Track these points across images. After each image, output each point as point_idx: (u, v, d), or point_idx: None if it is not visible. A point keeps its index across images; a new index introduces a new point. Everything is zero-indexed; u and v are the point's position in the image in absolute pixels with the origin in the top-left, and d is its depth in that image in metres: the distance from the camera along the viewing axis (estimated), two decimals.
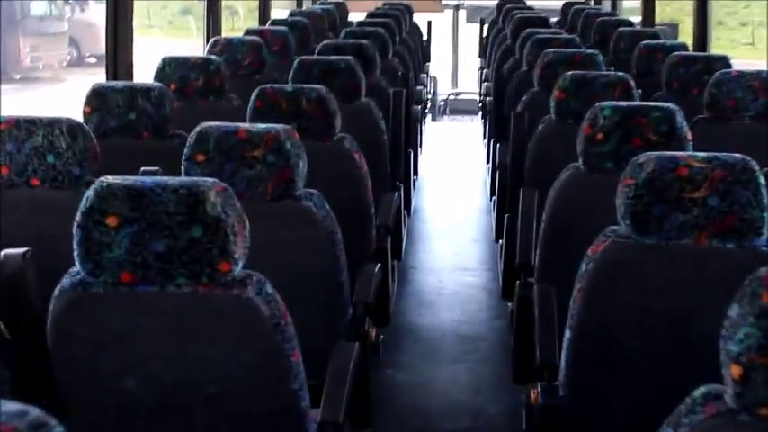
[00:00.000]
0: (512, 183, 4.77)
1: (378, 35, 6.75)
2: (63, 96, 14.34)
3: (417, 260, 6.25)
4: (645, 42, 6.17)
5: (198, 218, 2.24)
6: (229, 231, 2.25)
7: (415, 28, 10.54)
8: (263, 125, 3.07)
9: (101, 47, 16.80)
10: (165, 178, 2.31)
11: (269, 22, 7.71)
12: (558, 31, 7.29)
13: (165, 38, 18.02)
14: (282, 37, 6.68)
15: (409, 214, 6.48)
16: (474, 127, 10.58)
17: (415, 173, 7.14)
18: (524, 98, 5.34)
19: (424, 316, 5.30)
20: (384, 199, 4.52)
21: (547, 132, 4.45)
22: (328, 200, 3.19)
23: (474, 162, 8.81)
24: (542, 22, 8.05)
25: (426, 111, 9.80)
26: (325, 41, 5.91)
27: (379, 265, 3.76)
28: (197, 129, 3.04)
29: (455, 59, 12.89)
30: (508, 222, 4.77)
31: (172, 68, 4.94)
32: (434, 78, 11.61)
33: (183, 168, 3.04)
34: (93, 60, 18.33)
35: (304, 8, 9.86)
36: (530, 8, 9.80)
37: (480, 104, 9.41)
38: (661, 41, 6.33)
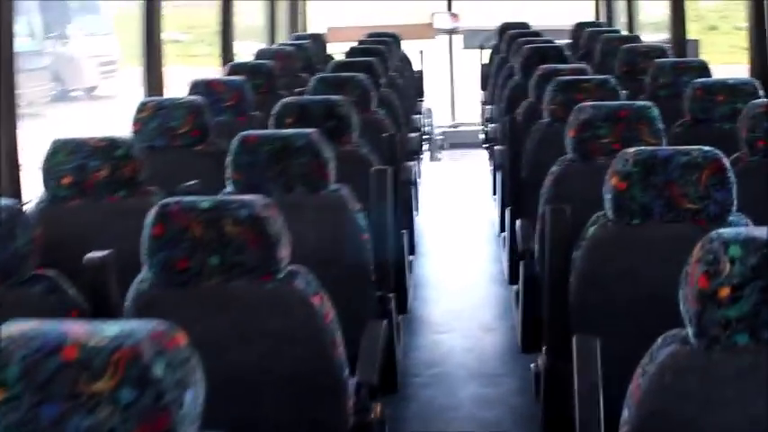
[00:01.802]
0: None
1: (356, 84, 5.54)
2: (48, 131, 13.60)
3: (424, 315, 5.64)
4: (699, 82, 4.93)
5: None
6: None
7: (405, 60, 9.49)
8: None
9: (84, 81, 16.00)
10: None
11: (227, 66, 6.75)
12: (581, 66, 6.19)
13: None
14: (238, 89, 5.61)
15: (412, 252, 5.86)
16: (477, 162, 9.63)
17: (416, 209, 6.57)
18: (556, 169, 4.15)
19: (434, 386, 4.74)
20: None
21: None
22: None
23: (481, 207, 7.97)
24: (557, 52, 6.92)
25: (423, 150, 8.90)
26: (284, 103, 4.61)
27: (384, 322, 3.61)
28: None
29: (452, 90, 11.83)
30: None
31: (64, 155, 3.75)
32: (430, 110, 10.63)
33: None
34: (78, 94, 18.16)
35: (276, 45, 8.82)
36: (536, 33, 8.71)
37: (484, 143, 8.59)
38: (717, 81, 5.02)
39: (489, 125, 7.54)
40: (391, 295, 3.99)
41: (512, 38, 8.43)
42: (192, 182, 4.00)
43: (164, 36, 5.96)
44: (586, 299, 3.14)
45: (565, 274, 3.22)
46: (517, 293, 4.59)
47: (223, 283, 2.70)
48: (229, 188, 3.63)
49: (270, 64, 6.57)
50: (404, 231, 5.10)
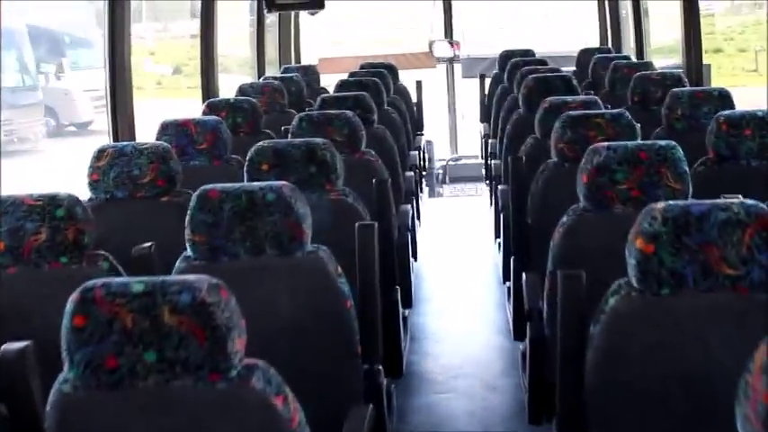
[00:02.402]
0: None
1: (343, 122, 4.98)
2: (43, 167, 14.09)
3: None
4: (724, 115, 4.38)
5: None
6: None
7: (402, 92, 8.77)
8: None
9: (79, 115, 15.69)
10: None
11: (205, 104, 6.09)
12: (591, 98, 5.42)
13: (154, 98, 17.18)
14: (212, 130, 5.01)
15: (409, 305, 5.35)
16: (480, 200, 9.09)
17: (414, 256, 6.03)
18: (567, 220, 3.63)
19: None
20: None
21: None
22: None
23: (483, 250, 7.42)
24: (564, 83, 6.30)
25: (423, 187, 8.35)
26: (258, 148, 4.09)
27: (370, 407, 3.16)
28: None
29: (452, 121, 11.26)
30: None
31: None
32: (430, 143, 10.08)
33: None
34: (72, 129, 17.87)
35: (263, 79, 8.20)
36: (541, 61, 8.10)
37: (486, 179, 8.07)
38: (745, 113, 4.44)
39: (492, 161, 7.00)
40: (380, 368, 3.49)
41: (514, 66, 7.92)
42: (147, 244, 3.54)
43: (156, 70, 5.53)
44: (606, 380, 2.65)
45: (580, 350, 2.74)
46: (524, 354, 4.21)
47: (162, 384, 2.19)
48: (189, 252, 3.12)
49: (252, 100, 6.06)
50: (398, 287, 4.60)
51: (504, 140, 6.27)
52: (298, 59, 10.09)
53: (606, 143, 3.60)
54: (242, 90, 6.93)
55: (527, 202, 4.58)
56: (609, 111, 4.53)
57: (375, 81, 6.94)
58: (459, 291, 6.59)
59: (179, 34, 19.71)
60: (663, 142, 3.56)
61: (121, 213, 4.03)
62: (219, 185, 3.16)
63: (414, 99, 8.96)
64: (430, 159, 9.83)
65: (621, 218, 2.99)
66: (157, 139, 4.98)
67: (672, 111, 5.25)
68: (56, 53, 18.45)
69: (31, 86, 17.25)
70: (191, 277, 2.21)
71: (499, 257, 6.01)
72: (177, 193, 4.18)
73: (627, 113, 4.50)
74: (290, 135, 5.01)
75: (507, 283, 5.26)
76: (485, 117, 8.98)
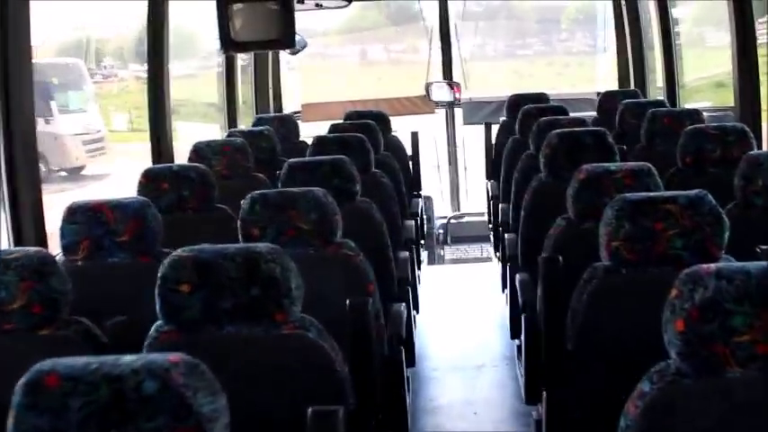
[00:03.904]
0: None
1: (311, 203, 3.62)
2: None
3: None
4: None
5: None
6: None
7: (396, 145, 7.12)
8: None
9: (71, 160, 14.61)
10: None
11: (142, 174, 4.59)
12: (643, 165, 3.84)
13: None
14: (135, 216, 3.69)
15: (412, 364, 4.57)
16: (487, 269, 7.55)
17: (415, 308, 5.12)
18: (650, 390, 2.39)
19: None
20: None
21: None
22: None
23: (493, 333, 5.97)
24: (598, 141, 4.68)
25: (421, 249, 6.80)
26: (177, 259, 2.79)
27: None
28: None
29: (453, 174, 9.65)
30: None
31: None
32: (429, 200, 8.53)
33: None
34: (63, 174, 16.79)
35: (227, 134, 6.69)
36: (559, 109, 6.57)
37: (495, 250, 6.61)
38: None
39: (506, 235, 5.45)
40: None
41: (527, 115, 6.49)
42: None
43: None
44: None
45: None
46: (537, 422, 3.92)
47: None
48: None
49: (201, 168, 4.62)
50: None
51: (522, 215, 4.80)
52: (278, 106, 8.58)
53: (715, 266, 2.16)
54: (197, 151, 5.46)
55: (565, 321, 3.21)
56: (683, 194, 3.04)
57: (360, 139, 5.44)
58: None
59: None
60: None
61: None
62: (62, 364, 1.83)
63: (409, 151, 7.45)
64: (429, 219, 8.32)
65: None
66: (61, 230, 3.71)
67: (749, 181, 3.83)
68: (44, 96, 17.15)
69: None
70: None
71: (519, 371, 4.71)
72: (64, 323, 2.94)
73: (709, 197, 3.04)
74: (239, 222, 3.65)
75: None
76: (492, 173, 7.47)
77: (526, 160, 5.64)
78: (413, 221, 6.08)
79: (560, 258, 3.50)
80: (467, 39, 11.76)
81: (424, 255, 7.30)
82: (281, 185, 4.41)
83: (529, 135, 5.88)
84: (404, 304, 4.34)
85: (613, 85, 8.73)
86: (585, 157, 4.46)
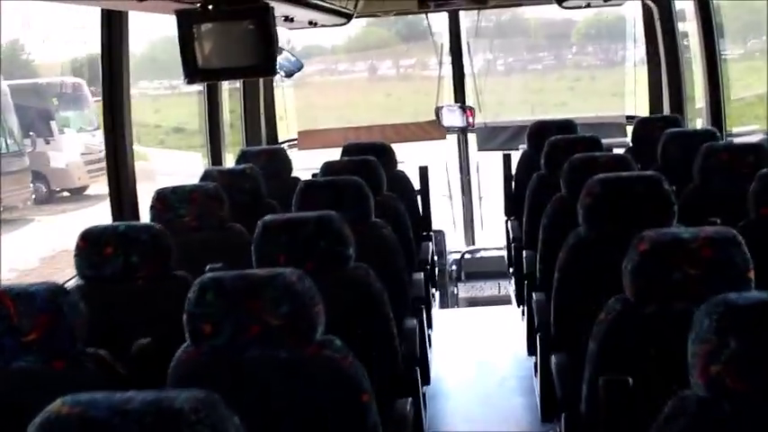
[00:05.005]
0: None
1: (284, 292, 2.67)
2: (30, 237, 13.67)
3: None
4: None
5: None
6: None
7: (401, 181, 6.14)
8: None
9: (73, 180, 14.23)
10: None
11: (80, 236, 3.67)
12: (727, 231, 2.79)
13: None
14: (46, 309, 2.75)
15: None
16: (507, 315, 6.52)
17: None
18: None
19: None
20: None
21: None
22: None
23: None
24: (652, 188, 3.70)
25: (432, 300, 5.78)
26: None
27: None
28: None
29: (467, 205, 8.50)
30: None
31: None
32: (441, 233, 7.46)
33: None
34: (66, 194, 17.06)
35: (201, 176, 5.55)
36: (592, 141, 5.53)
37: (518, 303, 5.65)
38: None
39: (534, 296, 4.40)
40: None
41: (554, 147, 5.47)
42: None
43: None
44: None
45: None
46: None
47: None
48: None
49: (156, 228, 3.67)
50: None
51: (557, 277, 3.77)
52: (272, 135, 7.52)
53: None
54: (161, 198, 4.43)
55: None
56: None
57: (357, 184, 4.40)
58: None
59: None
60: None
61: None
62: None
63: (417, 186, 6.40)
64: (441, 253, 7.27)
65: None
66: None
67: None
68: (44, 116, 17.31)
69: (15, 152, 16.33)
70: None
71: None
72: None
73: None
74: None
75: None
76: (512, 209, 6.45)
77: (556, 205, 4.62)
78: (421, 274, 5.07)
79: (630, 380, 2.52)
80: (479, 55, 10.81)
81: (434, 300, 6.29)
82: (254, 250, 3.46)
83: (557, 173, 4.87)
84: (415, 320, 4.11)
85: (633, 101, 7.80)
86: (636, 210, 3.60)
